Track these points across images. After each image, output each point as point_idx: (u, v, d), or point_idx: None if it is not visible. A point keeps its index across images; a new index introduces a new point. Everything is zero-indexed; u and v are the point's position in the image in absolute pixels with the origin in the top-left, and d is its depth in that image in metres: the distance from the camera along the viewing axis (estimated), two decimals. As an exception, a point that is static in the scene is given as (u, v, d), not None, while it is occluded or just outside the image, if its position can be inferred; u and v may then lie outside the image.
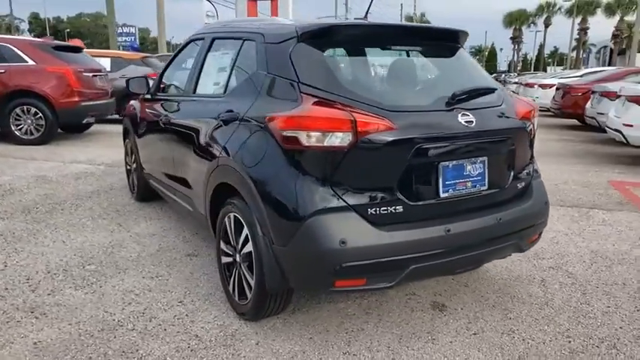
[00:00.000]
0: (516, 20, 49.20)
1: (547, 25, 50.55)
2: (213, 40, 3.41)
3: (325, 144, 2.20)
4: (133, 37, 42.71)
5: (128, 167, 5.13)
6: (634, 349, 2.55)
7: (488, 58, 79.74)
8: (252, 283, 2.55)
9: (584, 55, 54.89)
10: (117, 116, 10.80)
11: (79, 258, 3.59)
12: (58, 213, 4.62)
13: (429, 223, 2.36)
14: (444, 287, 3.18)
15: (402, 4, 70.23)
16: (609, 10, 43.66)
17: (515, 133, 2.66)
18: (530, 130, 2.78)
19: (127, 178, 5.31)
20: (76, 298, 2.98)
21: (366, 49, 2.68)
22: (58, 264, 3.47)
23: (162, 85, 4.22)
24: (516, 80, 22.59)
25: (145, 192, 4.82)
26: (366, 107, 2.26)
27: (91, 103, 8.61)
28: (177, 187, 3.61)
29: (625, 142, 7.11)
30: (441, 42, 2.81)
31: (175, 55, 4.12)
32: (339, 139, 2.19)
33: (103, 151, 7.74)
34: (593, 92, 9.72)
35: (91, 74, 8.73)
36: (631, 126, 6.91)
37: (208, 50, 3.41)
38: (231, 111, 2.76)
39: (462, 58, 2.91)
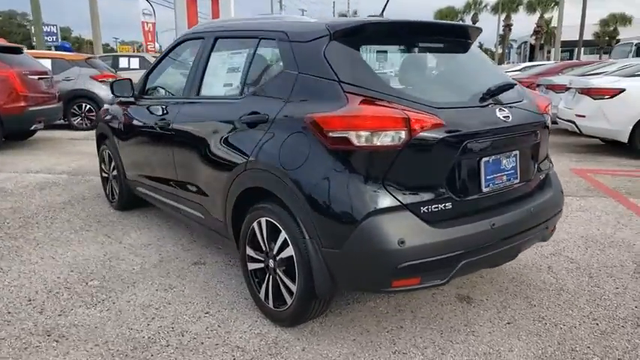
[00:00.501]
0: (446, 17, 51.04)
1: (474, 21, 52.65)
2: (217, 39, 3.28)
3: (378, 143, 2.18)
4: (54, 37, 40.41)
5: (105, 175, 4.85)
6: (655, 325, 2.72)
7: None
8: (294, 288, 2.49)
9: (507, 51, 57.77)
10: (62, 121, 10.23)
11: (77, 274, 3.35)
12: (34, 227, 4.29)
13: (475, 217, 2.40)
14: (463, 280, 3.24)
15: (334, 2, 71.10)
16: (530, 8, 46.39)
17: (540, 127, 2.75)
18: (548, 123, 2.89)
19: (102, 187, 5.01)
20: (92, 317, 2.79)
21: (397, 46, 2.67)
22: (57, 282, 3.23)
23: (147, 87, 4.03)
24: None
25: (127, 201, 4.58)
26: (413, 104, 2.26)
27: (39, 108, 8.08)
28: (182, 195, 3.44)
29: (578, 131, 7.56)
30: (460, 39, 2.86)
31: (164, 56, 3.93)
32: (393, 137, 2.17)
33: (57, 159, 7.27)
34: (539, 85, 10.26)
35: (36, 77, 8.19)
36: (583, 116, 7.35)
37: (211, 50, 3.27)
38: (257, 113, 2.67)
39: (478, 54, 2.98)
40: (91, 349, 2.48)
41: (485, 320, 2.77)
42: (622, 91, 7.36)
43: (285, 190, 2.42)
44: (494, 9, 47.55)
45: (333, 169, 2.25)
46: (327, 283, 2.35)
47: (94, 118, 10.36)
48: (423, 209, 2.26)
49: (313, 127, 2.31)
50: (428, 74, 2.67)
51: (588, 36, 42.63)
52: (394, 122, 2.17)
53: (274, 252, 2.59)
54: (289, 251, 2.47)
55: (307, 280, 2.40)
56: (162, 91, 3.91)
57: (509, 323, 2.75)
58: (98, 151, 4.91)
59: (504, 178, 2.56)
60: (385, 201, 2.20)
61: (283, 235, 2.50)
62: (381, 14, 2.98)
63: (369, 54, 2.51)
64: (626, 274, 3.38)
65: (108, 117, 4.52)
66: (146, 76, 4.03)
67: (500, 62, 44.53)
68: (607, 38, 47.02)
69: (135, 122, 4.01)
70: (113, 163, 4.54)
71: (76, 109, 10.27)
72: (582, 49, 32.26)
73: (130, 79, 4.05)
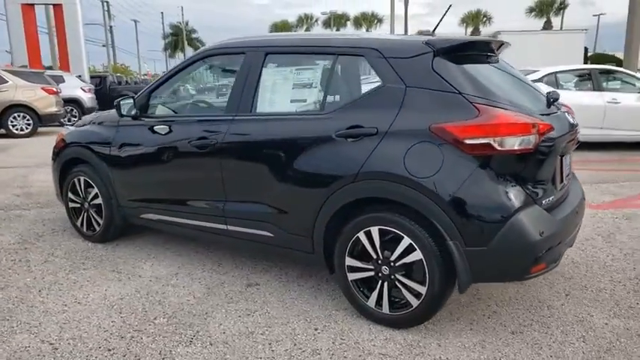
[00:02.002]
0: (281, 30, 53.07)
1: (307, 36, 55.78)
2: (267, 54, 3.22)
3: (516, 147, 2.47)
4: None
5: (76, 205, 4.28)
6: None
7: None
8: (422, 290, 2.64)
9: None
10: None
11: (130, 314, 3.01)
12: (12, 274, 3.65)
13: (566, 206, 2.84)
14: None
15: (162, 13, 69.70)
16: (357, 23, 50.87)
17: (577, 128, 3.29)
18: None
19: (70, 219, 4.40)
20: (205, 355, 2.58)
21: (482, 61, 2.96)
22: (117, 326, 2.87)
23: (151, 105, 3.74)
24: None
25: (115, 231, 4.14)
26: (529, 112, 2.61)
27: None
28: (237, 215, 3.28)
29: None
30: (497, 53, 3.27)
31: (175, 73, 3.67)
32: (527, 141, 2.48)
33: (-54, 195, 6.08)
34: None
35: None
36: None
37: (262, 66, 3.21)
38: (360, 126, 2.75)
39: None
40: (242, 384, 2.33)
41: (550, 296, 3.22)
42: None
43: (417, 198, 2.56)
44: (326, 23, 50.91)
45: (474, 173, 2.48)
46: (469, 279, 2.56)
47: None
48: (544, 202, 2.62)
49: (446, 136, 2.51)
50: (508, 86, 3.01)
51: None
52: (528, 128, 2.48)
53: (392, 258, 2.70)
54: (416, 255, 2.62)
55: (443, 280, 2.58)
56: (178, 109, 3.65)
57: (567, 295, 3.23)
58: (63, 178, 4.31)
59: (566, 172, 3.04)
60: (524, 198, 2.50)
61: (407, 240, 2.63)
62: (433, 32, 3.27)
63: (473, 68, 2.77)
64: (603, 244, 4.16)
65: (88, 139, 4.03)
66: (149, 94, 3.73)
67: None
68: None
69: (145, 143, 3.66)
70: (95, 191, 4.06)
71: None
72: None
73: (134, 97, 3.72)
